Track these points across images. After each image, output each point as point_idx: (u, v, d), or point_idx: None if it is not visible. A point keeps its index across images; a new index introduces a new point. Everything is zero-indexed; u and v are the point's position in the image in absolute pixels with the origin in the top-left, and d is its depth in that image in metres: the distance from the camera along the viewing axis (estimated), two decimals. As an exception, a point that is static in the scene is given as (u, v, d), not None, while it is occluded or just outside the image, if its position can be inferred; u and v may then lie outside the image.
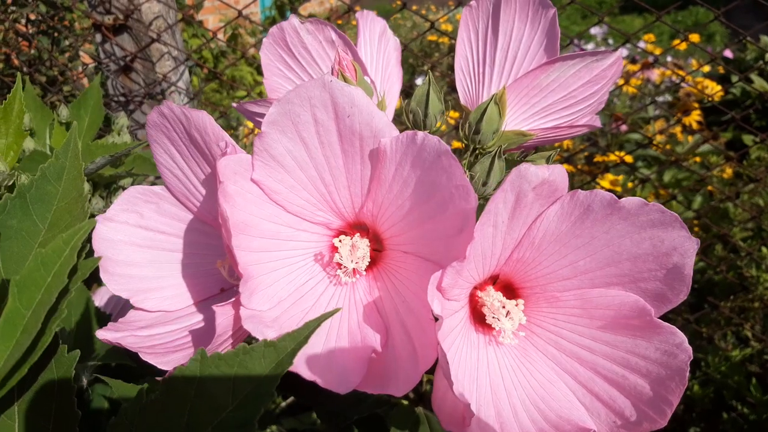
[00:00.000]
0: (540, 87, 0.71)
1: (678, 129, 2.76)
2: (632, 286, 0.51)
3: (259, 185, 0.51)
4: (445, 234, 0.48)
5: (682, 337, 0.48)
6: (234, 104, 0.74)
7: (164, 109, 0.53)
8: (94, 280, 1.14)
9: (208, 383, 0.43)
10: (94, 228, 0.56)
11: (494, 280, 0.58)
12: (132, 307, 0.60)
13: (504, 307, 0.55)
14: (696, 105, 2.85)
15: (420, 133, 0.46)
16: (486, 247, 0.50)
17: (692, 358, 0.47)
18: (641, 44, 3.77)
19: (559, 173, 0.47)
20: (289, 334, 0.42)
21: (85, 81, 2.12)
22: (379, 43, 0.78)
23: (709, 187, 2.46)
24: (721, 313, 1.90)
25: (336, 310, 0.44)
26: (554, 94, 0.72)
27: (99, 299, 1.12)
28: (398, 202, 0.51)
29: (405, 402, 0.81)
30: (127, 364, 0.86)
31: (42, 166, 0.53)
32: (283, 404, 1.40)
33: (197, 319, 0.58)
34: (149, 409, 0.44)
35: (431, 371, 0.51)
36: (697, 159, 2.73)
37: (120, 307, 1.11)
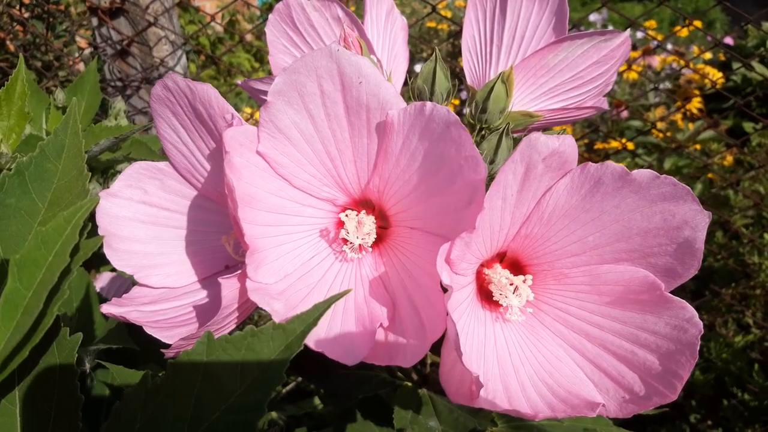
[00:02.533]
0: (548, 67, 0.70)
1: (678, 116, 2.75)
2: (642, 261, 0.51)
3: (265, 158, 0.50)
4: (453, 207, 0.48)
5: (692, 311, 0.48)
6: (239, 82, 0.73)
7: (169, 83, 0.52)
8: (93, 265, 1.13)
9: (215, 367, 0.42)
10: (95, 206, 0.55)
11: (501, 258, 0.58)
12: (134, 286, 0.59)
13: (512, 284, 0.54)
14: (697, 92, 2.84)
15: (429, 104, 0.45)
16: (494, 221, 0.49)
17: (703, 332, 0.47)
18: (640, 33, 3.75)
19: (569, 144, 0.46)
20: (298, 317, 0.41)
21: (80, 66, 2.10)
22: (386, 22, 0.77)
23: (710, 175, 2.45)
24: (722, 300, 1.90)
25: (346, 292, 0.43)
26: (562, 75, 0.71)
27: (99, 284, 1.12)
28: (405, 177, 0.51)
29: (408, 383, 0.81)
30: (130, 348, 0.85)
31: (41, 143, 0.52)
32: (284, 391, 1.40)
33: (201, 296, 0.58)
34: (154, 393, 0.43)
35: (435, 352, 0.50)
36: (698, 146, 2.73)
37: (121, 293, 1.10)
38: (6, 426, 0.44)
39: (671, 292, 0.49)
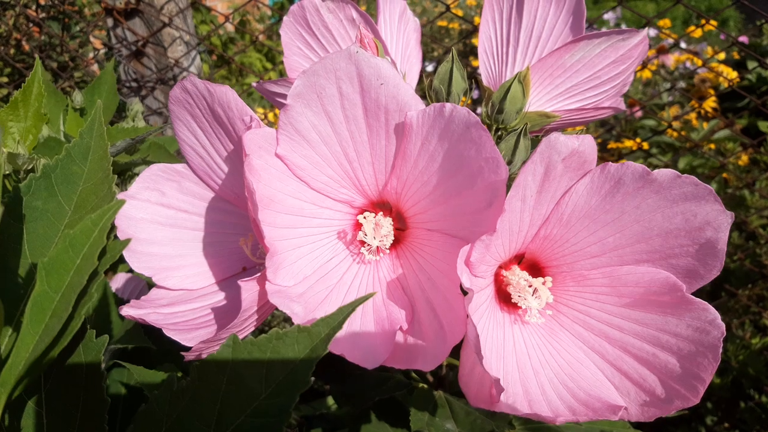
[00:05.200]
0: (564, 67, 0.70)
1: (693, 115, 2.73)
2: (663, 262, 0.50)
3: (284, 160, 0.50)
4: (472, 209, 0.47)
5: (714, 313, 0.47)
6: (254, 84, 0.73)
7: (187, 85, 0.53)
8: (109, 266, 1.14)
9: (240, 370, 0.42)
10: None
11: (519, 260, 0.57)
12: (151, 288, 0.60)
13: (530, 285, 0.54)
14: (712, 91, 2.81)
15: (448, 105, 0.45)
16: (514, 222, 0.49)
17: (725, 334, 0.46)
18: (653, 31, 3.72)
19: (588, 144, 0.46)
20: (323, 320, 0.40)
21: (95, 67, 2.11)
22: (399, 24, 0.77)
23: (725, 174, 2.43)
24: (739, 301, 1.88)
25: (370, 295, 0.43)
26: (579, 75, 0.70)
27: (115, 285, 1.12)
28: (424, 178, 0.50)
29: (424, 386, 0.81)
30: (147, 347, 0.85)
31: (67, 145, 0.52)
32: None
33: (219, 298, 0.58)
34: (180, 396, 0.43)
35: (451, 354, 0.50)
36: (712, 146, 2.70)
37: (137, 293, 1.11)
38: (32, 428, 0.45)
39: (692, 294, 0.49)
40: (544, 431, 0.78)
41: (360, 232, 0.55)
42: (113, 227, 0.41)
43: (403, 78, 0.76)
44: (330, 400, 1.39)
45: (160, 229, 0.59)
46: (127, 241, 0.40)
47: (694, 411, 1.84)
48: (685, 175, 0.46)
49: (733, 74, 2.74)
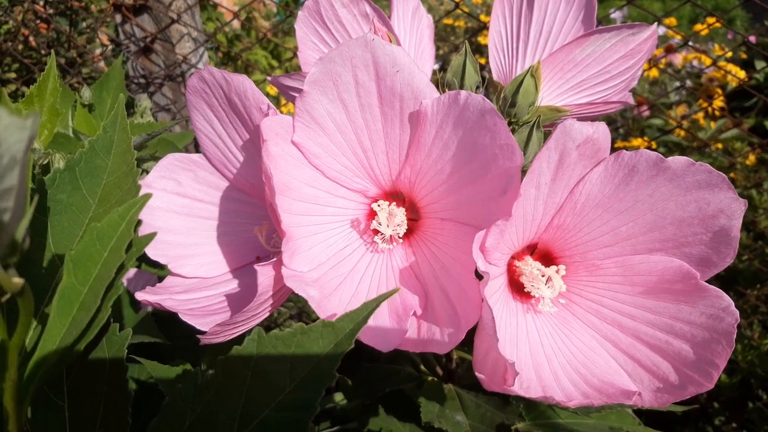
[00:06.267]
0: (575, 61, 0.70)
1: (700, 115, 2.72)
2: (676, 251, 0.50)
3: (299, 148, 0.51)
4: (487, 196, 0.48)
5: (728, 300, 0.47)
6: (269, 78, 0.74)
7: (205, 74, 0.53)
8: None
9: (264, 364, 0.41)
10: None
11: (532, 250, 0.58)
12: (167, 276, 0.60)
13: (543, 275, 0.54)
14: (719, 90, 2.80)
15: (463, 92, 0.45)
16: (527, 210, 0.49)
17: (739, 320, 0.46)
18: (661, 29, 3.71)
19: (602, 132, 0.46)
20: (347, 315, 0.40)
21: (102, 63, 2.12)
22: (412, 20, 0.78)
23: (732, 174, 2.42)
24: (747, 301, 1.87)
25: (395, 290, 0.43)
26: (589, 69, 0.70)
27: (124, 279, 1.13)
28: (438, 167, 0.51)
29: (434, 379, 0.81)
30: (157, 343, 0.86)
31: (90, 139, 0.52)
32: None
33: (233, 286, 0.59)
34: (204, 390, 0.43)
35: (461, 347, 0.50)
36: (719, 145, 2.69)
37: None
38: (54, 420, 0.45)
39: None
40: (552, 426, 0.79)
41: (374, 221, 0.55)
42: (139, 221, 0.42)
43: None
44: (338, 396, 1.40)
45: (176, 218, 0.60)
46: (153, 234, 0.40)
47: (702, 411, 1.84)
48: (699, 162, 0.46)
49: (742, 73, 2.73)
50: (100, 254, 0.40)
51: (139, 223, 0.42)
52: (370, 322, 0.45)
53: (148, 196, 0.40)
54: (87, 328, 0.40)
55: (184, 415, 0.42)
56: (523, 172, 0.47)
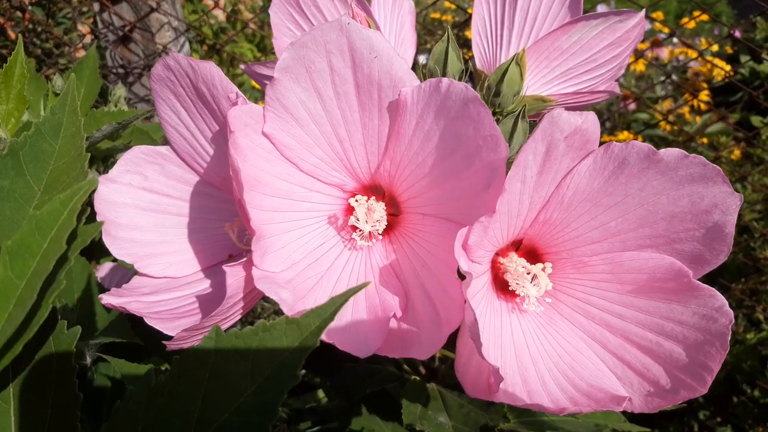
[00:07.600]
0: (561, 49, 0.67)
1: (686, 109, 2.72)
2: (667, 247, 0.48)
3: (271, 139, 0.47)
4: (470, 191, 0.45)
5: (722, 300, 0.45)
6: (242, 66, 0.71)
7: (170, 61, 0.50)
8: (94, 255, 1.11)
9: (223, 364, 0.39)
10: (95, 190, 0.52)
11: (517, 246, 0.55)
12: (135, 276, 0.57)
13: (529, 272, 0.52)
14: (705, 85, 2.80)
15: (445, 80, 0.42)
16: (513, 205, 0.47)
17: (733, 321, 0.44)
18: (648, 24, 3.71)
19: (592, 122, 0.43)
20: (314, 311, 0.37)
21: (81, 53, 2.06)
22: (393, 5, 0.75)
23: (718, 168, 2.41)
24: (732, 295, 1.87)
25: (365, 284, 0.40)
26: (575, 57, 0.68)
27: (100, 275, 1.09)
28: (418, 159, 0.48)
29: (417, 378, 0.79)
30: (134, 342, 0.82)
31: (36, 121, 0.48)
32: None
33: (204, 286, 0.56)
34: (158, 392, 0.40)
35: (444, 346, 0.48)
36: (704, 140, 2.69)
37: (123, 283, 1.08)
38: (0, 425, 0.42)
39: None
40: (537, 424, 0.77)
41: (351, 217, 0.52)
42: (84, 209, 0.38)
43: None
44: (320, 393, 1.37)
45: (143, 214, 0.56)
46: (101, 223, 0.37)
47: (687, 405, 1.84)
48: (693, 155, 0.44)
49: (727, 68, 2.73)
50: (39, 245, 0.37)
51: (84, 211, 0.38)
52: (347, 325, 0.43)
53: (93, 182, 0.37)
54: (24, 326, 0.37)
55: (136, 419, 0.39)
56: (508, 164, 0.45)
